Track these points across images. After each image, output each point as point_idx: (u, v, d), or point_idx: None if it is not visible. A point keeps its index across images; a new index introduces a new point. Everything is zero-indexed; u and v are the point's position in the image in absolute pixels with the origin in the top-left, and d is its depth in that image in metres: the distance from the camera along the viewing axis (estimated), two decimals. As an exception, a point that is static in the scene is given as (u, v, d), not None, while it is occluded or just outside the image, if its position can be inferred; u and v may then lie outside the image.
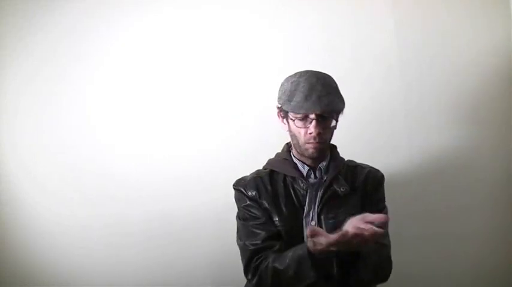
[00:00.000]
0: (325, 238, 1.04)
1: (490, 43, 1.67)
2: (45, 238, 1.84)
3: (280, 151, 1.42)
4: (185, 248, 1.77)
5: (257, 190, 1.32)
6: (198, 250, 1.76)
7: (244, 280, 1.33)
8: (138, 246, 1.79)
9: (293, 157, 1.35)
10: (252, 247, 1.25)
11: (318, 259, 1.10)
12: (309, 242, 1.08)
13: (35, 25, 1.90)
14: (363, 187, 1.31)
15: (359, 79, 1.72)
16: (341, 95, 1.29)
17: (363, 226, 1.01)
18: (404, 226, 1.60)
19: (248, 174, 1.39)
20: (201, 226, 1.76)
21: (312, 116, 1.22)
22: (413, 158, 1.68)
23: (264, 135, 1.70)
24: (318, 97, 1.21)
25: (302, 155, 1.31)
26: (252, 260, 1.24)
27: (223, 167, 1.74)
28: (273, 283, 1.19)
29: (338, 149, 1.40)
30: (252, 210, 1.31)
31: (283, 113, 1.30)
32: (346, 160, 1.39)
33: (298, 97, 1.23)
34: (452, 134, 1.67)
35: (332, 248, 1.04)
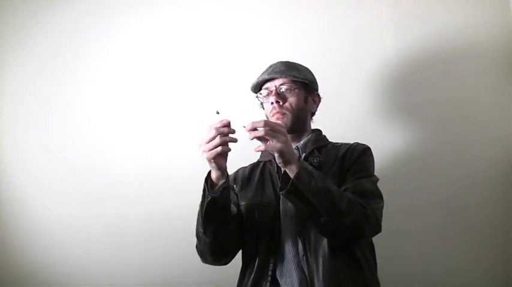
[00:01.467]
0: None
1: (490, 43, 1.67)
2: (45, 238, 1.84)
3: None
4: (185, 248, 1.75)
5: (234, 178, 1.37)
6: (198, 249, 1.76)
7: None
8: (137, 246, 1.79)
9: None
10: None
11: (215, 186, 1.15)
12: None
13: (35, 25, 1.91)
14: (342, 158, 1.27)
15: (359, 79, 1.72)
16: (301, 71, 1.34)
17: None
18: (402, 223, 1.60)
19: None
20: (201, 225, 1.76)
21: (272, 88, 1.31)
22: (413, 158, 1.68)
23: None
24: (272, 70, 1.33)
25: None
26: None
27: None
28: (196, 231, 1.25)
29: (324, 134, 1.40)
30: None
31: (260, 104, 1.37)
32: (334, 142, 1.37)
33: (261, 75, 1.35)
34: (452, 133, 1.67)
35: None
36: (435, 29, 1.70)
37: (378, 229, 1.17)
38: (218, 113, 1.13)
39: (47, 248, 1.84)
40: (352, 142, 1.34)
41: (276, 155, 1.07)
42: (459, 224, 1.62)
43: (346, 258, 1.16)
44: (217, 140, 1.08)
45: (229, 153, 1.59)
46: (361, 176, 1.22)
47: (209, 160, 1.10)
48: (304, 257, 1.17)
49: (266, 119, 1.30)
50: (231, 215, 1.24)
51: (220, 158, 1.11)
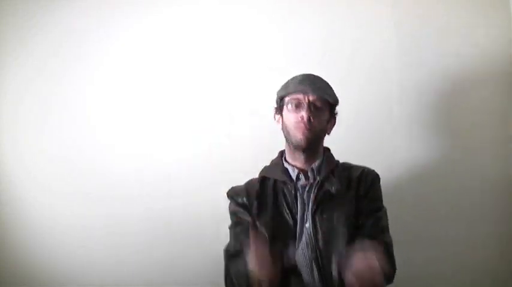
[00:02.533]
0: None
1: (489, 43, 1.67)
2: (45, 238, 1.84)
3: (274, 152, 1.42)
4: (185, 248, 1.77)
5: (247, 196, 1.33)
6: (197, 249, 1.76)
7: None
8: (137, 246, 1.79)
9: (284, 162, 1.35)
10: (230, 253, 1.26)
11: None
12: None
13: (35, 25, 1.91)
14: (356, 186, 1.30)
15: (358, 79, 1.72)
16: (333, 91, 1.34)
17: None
18: (404, 228, 1.60)
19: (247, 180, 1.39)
20: (201, 225, 1.76)
21: (305, 101, 1.27)
22: (413, 159, 1.67)
23: (264, 134, 1.70)
24: (310, 83, 1.29)
25: (293, 146, 1.31)
26: (226, 264, 1.27)
27: (224, 166, 1.74)
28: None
29: (334, 151, 1.40)
30: (239, 215, 1.32)
31: (278, 108, 1.35)
32: (340, 162, 1.38)
33: (293, 83, 1.31)
34: (452, 134, 1.67)
35: None
36: (435, 29, 1.70)
37: (395, 271, 1.26)
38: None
39: (47, 248, 1.84)
40: (359, 165, 1.37)
41: None
42: (459, 230, 1.62)
43: None
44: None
45: (229, 152, 1.59)
46: (376, 207, 1.30)
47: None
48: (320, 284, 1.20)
49: (284, 129, 1.33)
50: None
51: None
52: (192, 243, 1.77)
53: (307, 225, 1.24)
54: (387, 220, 1.31)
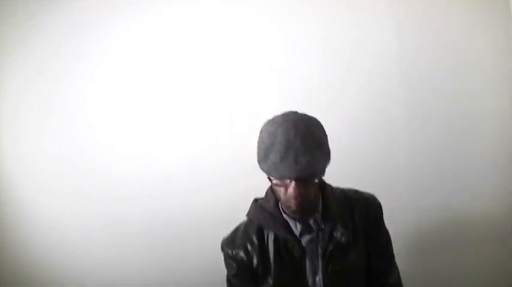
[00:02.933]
0: None
1: (490, 43, 1.67)
2: (45, 238, 1.84)
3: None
4: (185, 248, 1.77)
5: (246, 253, 1.21)
6: (197, 249, 1.76)
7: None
8: (137, 246, 1.80)
9: (282, 212, 1.19)
10: None
11: None
12: None
13: (35, 25, 1.91)
14: (363, 227, 1.21)
15: (358, 80, 1.72)
16: (325, 148, 1.11)
17: None
18: (402, 223, 1.61)
19: (234, 228, 1.28)
20: (201, 225, 1.76)
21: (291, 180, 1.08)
22: (412, 158, 1.68)
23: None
24: (294, 158, 1.04)
25: (288, 214, 1.18)
26: None
27: (224, 166, 1.74)
28: None
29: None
30: (243, 279, 1.23)
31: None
32: (333, 188, 1.25)
33: (274, 157, 1.07)
34: (452, 136, 1.67)
35: None
36: (435, 28, 1.70)
37: None
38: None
39: (47, 248, 1.84)
40: (350, 189, 1.27)
41: None
42: (461, 230, 1.62)
43: None
44: None
45: (229, 152, 1.59)
46: (386, 239, 1.27)
47: None
48: None
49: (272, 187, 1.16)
50: None
51: None
52: (192, 243, 1.77)
53: (317, 279, 1.18)
54: (393, 251, 1.28)
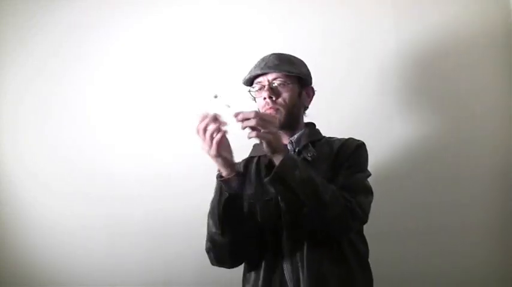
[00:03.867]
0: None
1: (490, 43, 1.67)
2: (45, 238, 1.84)
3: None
4: (185, 248, 1.76)
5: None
6: (197, 249, 1.75)
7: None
8: (137, 246, 1.79)
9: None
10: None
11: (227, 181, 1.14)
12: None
13: (35, 25, 1.91)
14: (336, 152, 1.25)
15: (358, 79, 1.72)
16: (296, 65, 1.30)
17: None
18: (400, 221, 1.60)
19: None
20: (201, 225, 1.75)
21: (265, 83, 1.27)
22: (412, 155, 1.68)
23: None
24: (265, 64, 1.28)
25: None
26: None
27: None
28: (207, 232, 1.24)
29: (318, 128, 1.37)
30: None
31: (252, 98, 1.33)
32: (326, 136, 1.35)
33: (253, 69, 1.31)
34: (451, 134, 1.67)
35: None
36: (435, 28, 1.70)
37: (364, 220, 1.17)
38: (216, 97, 1.14)
39: (47, 248, 1.84)
40: (346, 137, 1.31)
41: (264, 144, 1.08)
42: (457, 225, 1.62)
43: (332, 255, 1.16)
44: (208, 133, 1.14)
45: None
46: (352, 171, 1.21)
47: (215, 157, 1.13)
48: (288, 249, 1.18)
49: None
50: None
51: (224, 153, 1.13)
52: (192, 243, 1.76)
53: None
54: (367, 184, 1.22)
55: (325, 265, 1.15)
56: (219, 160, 1.13)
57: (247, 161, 1.36)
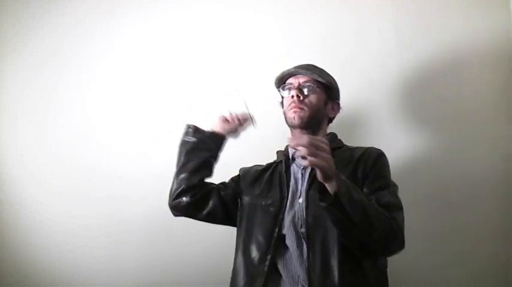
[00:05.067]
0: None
1: (489, 43, 1.67)
2: (45, 238, 1.84)
3: (277, 149, 1.43)
4: (185, 248, 1.76)
5: (248, 171, 1.41)
6: (197, 249, 1.76)
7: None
8: (137, 246, 1.79)
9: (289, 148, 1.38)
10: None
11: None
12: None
13: (35, 25, 1.91)
14: (356, 162, 1.25)
15: (358, 79, 1.72)
16: (329, 77, 1.36)
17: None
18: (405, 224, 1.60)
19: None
20: (201, 225, 1.75)
21: (295, 84, 1.32)
22: (412, 157, 1.67)
23: (265, 134, 1.69)
24: (301, 67, 1.35)
25: (290, 128, 1.36)
26: None
27: (223, 166, 1.74)
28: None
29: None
30: (227, 182, 1.41)
31: (280, 98, 1.40)
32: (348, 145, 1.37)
33: (286, 71, 1.37)
34: (452, 134, 1.67)
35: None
36: (435, 28, 1.70)
37: (402, 246, 1.15)
38: (238, 90, 1.17)
39: (47, 248, 1.84)
40: (366, 146, 1.31)
41: (318, 172, 1.04)
42: (458, 227, 1.62)
43: (351, 266, 1.15)
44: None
45: (229, 152, 1.60)
46: (381, 185, 1.21)
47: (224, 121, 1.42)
48: (308, 259, 1.16)
49: (284, 117, 1.36)
50: (212, 166, 1.41)
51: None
52: (192, 243, 1.77)
53: (300, 200, 1.23)
54: (397, 197, 1.21)
55: (343, 275, 1.13)
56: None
57: (268, 166, 1.40)
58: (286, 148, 1.39)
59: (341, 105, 1.41)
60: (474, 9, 1.68)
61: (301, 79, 1.33)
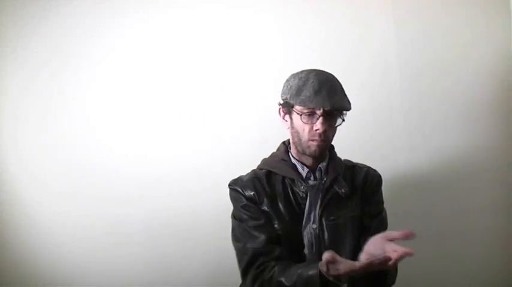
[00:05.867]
0: (344, 266, 0.99)
1: (489, 42, 1.67)
2: (45, 238, 1.84)
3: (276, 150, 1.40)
4: (185, 248, 1.77)
5: (255, 190, 1.28)
6: (198, 249, 1.76)
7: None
8: (138, 246, 1.79)
9: (292, 158, 1.32)
10: (251, 251, 1.20)
11: (329, 282, 1.05)
12: (323, 266, 1.04)
13: (35, 25, 1.91)
14: (362, 187, 1.30)
15: (358, 79, 1.72)
16: (347, 96, 1.28)
17: (389, 248, 0.96)
18: (402, 225, 1.59)
19: (244, 174, 1.36)
20: (201, 225, 1.76)
21: (320, 112, 1.20)
22: (412, 158, 1.67)
23: (263, 134, 1.70)
24: (327, 93, 1.20)
25: (303, 153, 1.27)
26: (252, 265, 1.20)
27: (223, 167, 1.74)
28: None
29: (336, 150, 1.38)
30: (251, 210, 1.26)
31: (287, 109, 1.27)
32: (342, 159, 1.38)
33: (308, 92, 1.20)
34: (452, 134, 1.67)
35: (352, 274, 0.99)
36: (435, 28, 1.70)
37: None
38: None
39: (47, 248, 1.84)
40: (361, 164, 1.37)
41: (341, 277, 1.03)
42: (460, 230, 1.62)
43: None
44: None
45: (229, 152, 1.60)
46: (379, 209, 1.32)
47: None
48: None
49: (294, 132, 1.27)
50: None
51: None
52: (193, 243, 1.77)
53: (314, 226, 1.24)
54: (387, 223, 1.33)
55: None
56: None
57: (270, 178, 1.31)
58: (287, 158, 1.32)
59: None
60: (474, 9, 1.68)
61: (327, 108, 1.20)
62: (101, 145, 1.85)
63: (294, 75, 1.27)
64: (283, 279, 1.13)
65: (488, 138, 1.65)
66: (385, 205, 1.35)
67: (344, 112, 1.26)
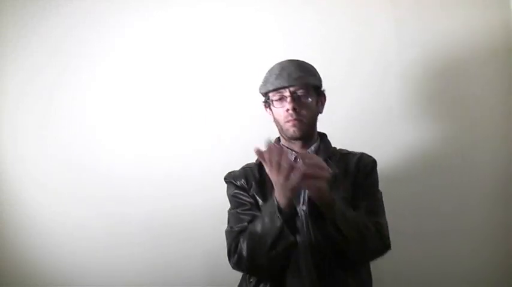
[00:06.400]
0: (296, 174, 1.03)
1: (489, 42, 1.66)
2: (45, 238, 1.84)
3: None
4: (185, 248, 1.76)
5: (245, 178, 1.32)
6: (197, 249, 1.76)
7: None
8: (138, 246, 1.79)
9: (282, 145, 1.34)
10: (236, 232, 1.23)
11: (288, 214, 1.11)
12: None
13: (35, 25, 1.91)
14: (354, 171, 1.29)
15: (358, 78, 1.72)
16: (315, 75, 1.31)
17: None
18: (402, 224, 1.59)
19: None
20: (201, 225, 1.76)
21: (286, 93, 1.26)
22: (412, 156, 1.67)
23: (263, 134, 1.69)
24: (288, 74, 1.26)
25: (289, 139, 1.31)
26: (234, 240, 1.22)
27: (223, 167, 1.73)
28: (250, 251, 1.16)
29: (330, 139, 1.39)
30: (240, 196, 1.31)
31: (266, 103, 1.35)
32: (338, 148, 1.38)
33: (271, 78, 1.29)
34: (452, 134, 1.66)
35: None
36: (436, 28, 1.70)
37: (389, 248, 1.23)
38: (270, 141, 1.11)
39: (47, 248, 1.84)
40: (356, 151, 1.35)
41: (312, 192, 1.09)
42: (458, 226, 1.62)
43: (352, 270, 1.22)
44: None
45: (228, 152, 1.60)
46: (371, 192, 1.29)
47: (293, 188, 1.07)
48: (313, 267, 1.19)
49: (276, 122, 1.32)
50: None
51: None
52: (193, 243, 1.77)
53: (304, 207, 1.23)
54: (383, 204, 1.29)
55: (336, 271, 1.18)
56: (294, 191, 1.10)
57: (260, 166, 1.31)
58: (277, 143, 1.35)
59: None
60: (474, 8, 1.68)
61: (291, 88, 1.26)
62: (100, 145, 1.85)
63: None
64: (251, 227, 1.18)
65: (488, 138, 1.64)
66: (385, 205, 1.34)
67: (322, 89, 1.33)
